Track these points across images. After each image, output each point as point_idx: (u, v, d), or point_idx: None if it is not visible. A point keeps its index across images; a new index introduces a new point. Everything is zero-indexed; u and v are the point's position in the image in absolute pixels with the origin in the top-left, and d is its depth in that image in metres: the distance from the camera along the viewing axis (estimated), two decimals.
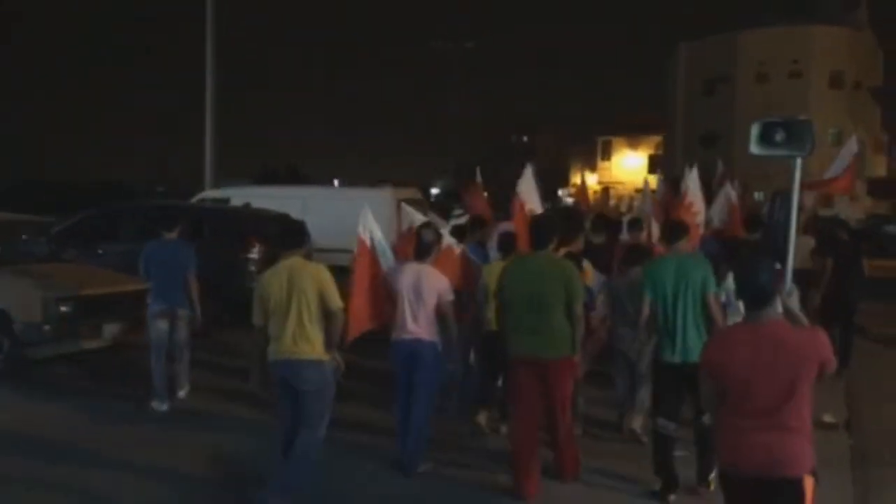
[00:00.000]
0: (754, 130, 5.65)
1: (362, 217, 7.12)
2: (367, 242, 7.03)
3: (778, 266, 4.90)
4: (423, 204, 14.84)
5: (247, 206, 13.46)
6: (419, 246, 6.50)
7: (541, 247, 6.00)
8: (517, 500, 5.81)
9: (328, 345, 5.58)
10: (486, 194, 11.93)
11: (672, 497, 5.86)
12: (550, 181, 60.98)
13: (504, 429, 7.21)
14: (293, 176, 59.09)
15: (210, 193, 16.24)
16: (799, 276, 9.81)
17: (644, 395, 7.16)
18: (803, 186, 12.49)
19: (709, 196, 11.90)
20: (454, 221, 10.51)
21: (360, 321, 6.83)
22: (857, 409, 8.58)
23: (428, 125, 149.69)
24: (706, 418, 5.40)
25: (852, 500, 5.93)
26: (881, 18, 64.64)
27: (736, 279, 3.90)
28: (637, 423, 7.23)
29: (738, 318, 4.56)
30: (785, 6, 51.48)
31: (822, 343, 3.67)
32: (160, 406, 7.92)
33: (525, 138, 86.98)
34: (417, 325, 6.26)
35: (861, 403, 8.83)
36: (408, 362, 6.32)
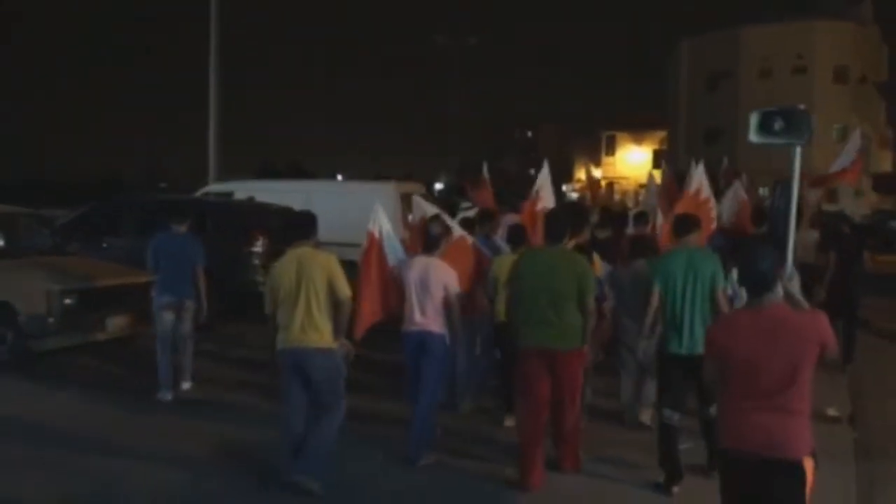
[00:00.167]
0: (753, 120, 5.71)
1: (373, 211, 7.22)
2: (377, 236, 7.11)
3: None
4: (427, 199, 14.82)
5: (250, 199, 13.47)
6: (427, 239, 6.59)
7: (555, 240, 6.04)
8: (523, 492, 5.82)
9: (336, 332, 5.65)
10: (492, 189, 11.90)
11: (676, 488, 5.87)
12: (554, 177, 61.00)
13: (507, 421, 7.24)
14: (297, 171, 59.14)
15: (214, 188, 16.26)
16: (803, 270, 9.89)
17: (650, 388, 7.20)
18: (809, 183, 12.57)
19: (714, 192, 11.93)
20: (462, 215, 10.51)
21: (369, 314, 6.91)
22: (861, 403, 8.57)
23: (429, 122, 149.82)
24: (712, 409, 5.41)
25: (856, 494, 5.92)
26: (886, 13, 64.68)
27: (738, 267, 3.96)
28: (646, 416, 7.30)
29: None
30: (787, 2, 51.36)
31: (823, 325, 3.73)
32: (165, 396, 7.99)
33: (529, 134, 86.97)
34: (425, 317, 6.35)
35: (865, 398, 8.83)
36: (416, 354, 6.40)
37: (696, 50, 56.38)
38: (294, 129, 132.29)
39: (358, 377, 7.18)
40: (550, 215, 6.53)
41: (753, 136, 5.73)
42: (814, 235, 10.95)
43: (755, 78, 50.76)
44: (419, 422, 6.33)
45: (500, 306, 6.93)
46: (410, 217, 12.12)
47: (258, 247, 11.52)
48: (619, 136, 69.08)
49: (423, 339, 6.35)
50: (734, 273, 6.42)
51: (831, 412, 7.71)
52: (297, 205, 12.79)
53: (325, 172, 52.03)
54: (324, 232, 10.71)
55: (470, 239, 7.75)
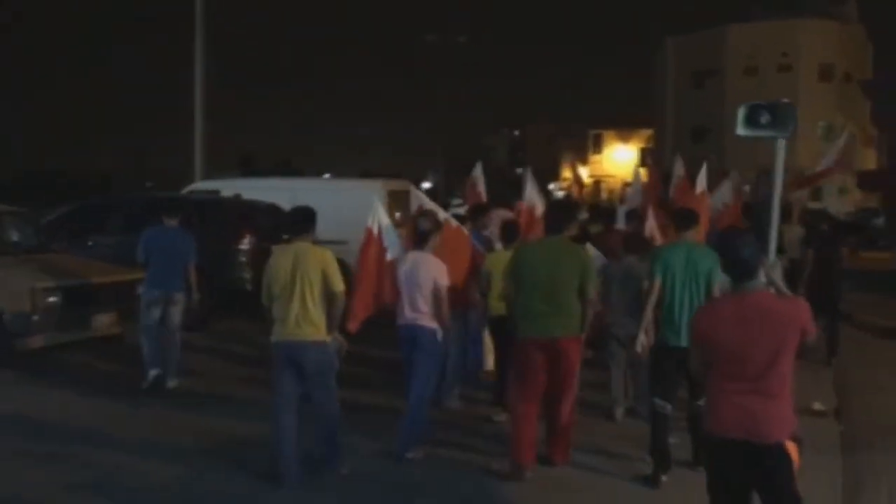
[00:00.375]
0: (741, 113, 5.83)
1: (373, 208, 7.33)
2: (374, 231, 7.20)
3: None
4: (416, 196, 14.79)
5: (237, 197, 13.41)
6: (417, 234, 6.64)
7: (555, 232, 6.20)
8: (517, 475, 5.90)
9: (330, 326, 5.75)
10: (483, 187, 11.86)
11: (664, 478, 5.91)
12: (541, 175, 61.11)
13: (497, 416, 7.29)
14: (284, 169, 58.97)
15: (199, 185, 16.18)
16: (791, 264, 10.00)
17: (643, 381, 7.26)
18: (793, 185, 12.70)
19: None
20: (453, 211, 10.53)
21: (362, 308, 7.00)
22: (847, 398, 8.62)
23: (418, 121, 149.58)
24: (701, 402, 5.44)
25: (842, 486, 5.95)
26: (870, 11, 65.10)
27: (721, 255, 4.02)
28: (643, 410, 7.31)
29: None
30: (773, 0, 51.58)
31: (804, 311, 3.84)
32: (153, 372, 8.09)
33: (516, 132, 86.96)
34: (415, 311, 6.41)
35: (851, 393, 8.88)
36: (409, 347, 6.48)
37: (682, 48, 56.60)
38: (282, 126, 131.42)
39: (356, 371, 7.24)
40: (549, 207, 6.69)
41: (741, 130, 5.86)
42: (800, 231, 11.06)
43: (741, 76, 50.94)
44: (409, 415, 6.36)
45: (494, 301, 7.09)
46: (398, 215, 12.14)
47: (245, 244, 11.49)
48: (606, 134, 69.31)
49: (415, 334, 6.41)
50: None
51: (817, 406, 7.76)
52: (283, 202, 12.79)
53: (311, 170, 51.85)
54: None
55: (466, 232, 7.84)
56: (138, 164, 63.91)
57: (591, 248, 7.77)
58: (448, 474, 6.04)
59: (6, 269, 8.97)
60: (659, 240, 8.62)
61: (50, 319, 8.66)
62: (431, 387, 6.50)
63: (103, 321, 9.27)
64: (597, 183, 59.95)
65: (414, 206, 8.33)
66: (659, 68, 60.37)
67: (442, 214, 7.73)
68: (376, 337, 7.95)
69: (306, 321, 5.63)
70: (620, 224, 10.61)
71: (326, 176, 29.19)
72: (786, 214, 10.36)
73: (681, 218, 6.57)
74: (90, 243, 11.71)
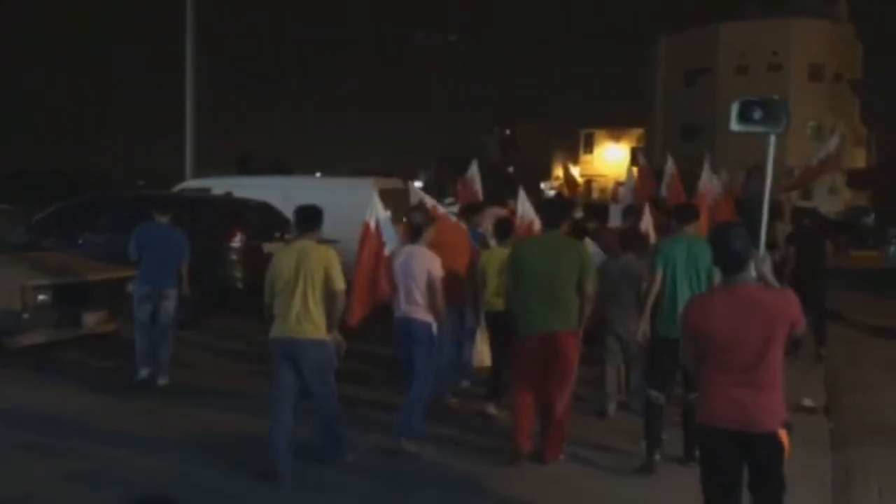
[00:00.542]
0: (734, 109, 5.92)
1: (370, 203, 7.43)
2: (372, 227, 7.30)
3: None
4: (407, 194, 14.78)
5: (228, 195, 13.38)
6: (410, 229, 6.75)
7: (553, 227, 6.33)
8: (512, 477, 5.93)
9: (330, 325, 5.79)
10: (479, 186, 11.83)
11: (657, 457, 6.09)
12: (532, 175, 61.11)
13: (489, 409, 7.36)
14: (276, 168, 58.77)
15: (191, 183, 16.13)
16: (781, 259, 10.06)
17: (636, 377, 7.49)
18: (784, 188, 12.79)
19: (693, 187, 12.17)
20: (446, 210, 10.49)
21: (362, 304, 7.11)
22: (837, 395, 8.66)
23: (410, 120, 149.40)
24: (693, 397, 5.49)
25: (831, 482, 5.98)
26: (861, 11, 65.37)
27: (712, 247, 4.08)
28: (636, 405, 7.44)
29: None
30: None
31: (793, 303, 3.90)
32: (143, 372, 8.17)
33: (507, 131, 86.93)
34: (410, 304, 6.49)
35: (840, 390, 8.92)
36: (404, 340, 6.57)
37: (674, 47, 56.68)
38: (281, 126, 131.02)
39: (355, 367, 7.33)
40: (545, 204, 6.76)
41: (734, 125, 5.94)
42: (787, 229, 11.11)
43: (732, 75, 51.01)
44: (406, 406, 6.43)
45: (491, 298, 7.24)
46: (389, 213, 12.10)
47: (236, 242, 11.46)
48: (598, 133, 69.35)
49: (409, 327, 6.49)
50: None
51: (807, 403, 7.79)
52: (274, 201, 12.78)
53: (302, 169, 51.74)
54: None
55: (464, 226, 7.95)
56: (134, 164, 63.66)
57: (589, 244, 7.82)
58: (443, 468, 6.07)
59: None
60: (654, 237, 8.68)
61: (41, 317, 8.64)
62: (430, 379, 6.55)
63: (94, 319, 9.24)
64: (588, 182, 59.91)
65: (414, 202, 8.42)
66: (651, 67, 60.48)
67: (441, 209, 7.82)
68: (376, 333, 7.99)
69: (307, 319, 5.68)
70: (615, 222, 10.66)
71: (317, 175, 29.10)
72: (778, 212, 10.44)
73: (681, 212, 6.71)
74: (81, 241, 11.67)
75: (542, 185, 58.96)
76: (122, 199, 13.59)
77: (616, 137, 68.31)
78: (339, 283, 5.77)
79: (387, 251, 7.21)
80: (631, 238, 7.94)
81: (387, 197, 12.62)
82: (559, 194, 31.46)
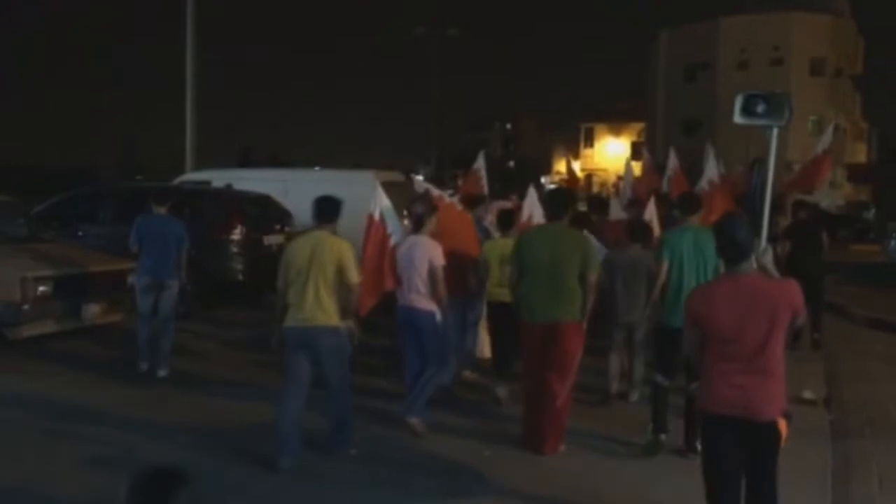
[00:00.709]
0: (738, 102, 6.03)
1: (374, 194, 7.50)
2: (376, 217, 7.36)
3: None
4: (408, 186, 14.77)
5: (228, 188, 13.38)
6: (412, 218, 6.81)
7: (556, 218, 6.40)
8: (516, 466, 5.95)
9: (345, 314, 5.90)
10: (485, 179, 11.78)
11: (663, 436, 6.28)
12: (533, 169, 61.11)
13: (500, 391, 7.41)
14: (275, 162, 58.75)
15: (191, 176, 16.11)
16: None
17: (639, 366, 7.59)
18: (786, 186, 12.79)
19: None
20: None
21: (371, 295, 7.17)
22: (838, 388, 8.64)
23: (410, 114, 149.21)
24: (694, 387, 5.57)
25: (832, 472, 5.99)
26: (862, 6, 65.38)
27: (716, 237, 4.11)
28: (634, 396, 7.59)
29: None
30: None
31: (795, 292, 3.94)
32: (143, 365, 8.21)
33: (508, 126, 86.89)
34: (412, 293, 6.57)
35: (841, 383, 8.90)
36: (406, 328, 6.68)
37: (674, 41, 56.57)
38: (275, 119, 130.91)
39: (362, 359, 7.37)
40: (548, 196, 6.98)
41: (738, 118, 6.06)
42: (787, 222, 11.11)
43: (733, 69, 50.90)
44: (418, 385, 6.56)
45: (493, 288, 7.34)
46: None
47: (236, 234, 11.46)
48: (598, 127, 69.28)
49: (411, 315, 6.58)
50: None
51: (807, 395, 7.79)
52: (274, 193, 12.79)
53: (302, 163, 51.71)
54: (301, 221, 10.94)
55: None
56: (130, 157, 63.64)
57: (590, 237, 7.82)
58: (444, 457, 6.08)
59: None
60: (658, 228, 8.70)
61: (41, 309, 8.65)
62: (447, 362, 6.69)
63: (95, 310, 9.25)
64: (588, 176, 59.87)
65: (420, 192, 8.45)
66: (651, 61, 60.36)
67: (447, 199, 7.85)
68: (383, 326, 8.10)
69: (319, 308, 5.75)
70: (617, 215, 10.68)
71: (316, 169, 29.06)
72: (780, 206, 10.44)
73: (685, 203, 6.77)
74: (80, 233, 11.67)
75: (543, 180, 58.94)
76: (121, 190, 13.58)
77: (616, 132, 68.25)
78: (354, 276, 5.85)
79: (392, 242, 7.25)
80: (637, 229, 7.99)
81: (387, 190, 12.68)
82: (560, 187, 31.48)
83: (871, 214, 36.36)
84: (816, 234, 10.77)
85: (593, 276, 6.13)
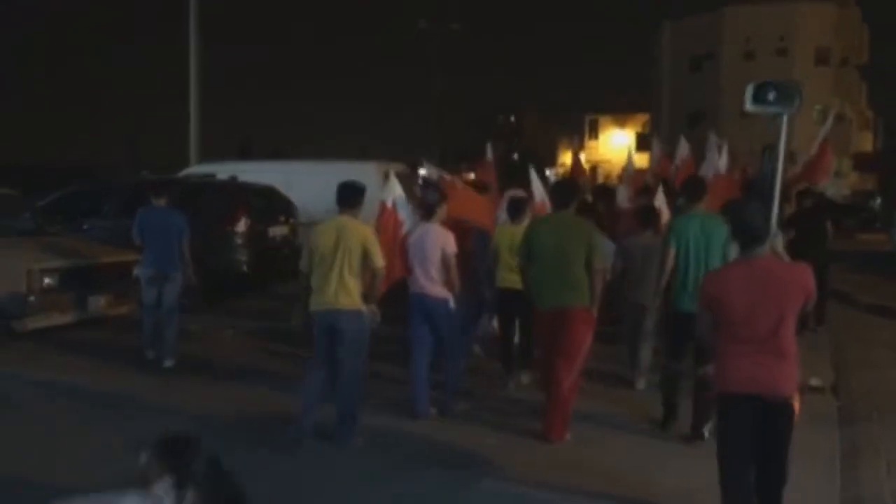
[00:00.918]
0: (749, 90, 6.18)
1: (388, 183, 7.63)
2: (389, 205, 7.49)
3: None
4: (412, 177, 14.75)
5: (233, 179, 13.38)
6: (423, 206, 6.86)
7: (562, 207, 6.47)
8: (528, 452, 6.00)
9: (368, 298, 6.03)
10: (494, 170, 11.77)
11: (673, 419, 6.44)
12: (537, 162, 60.99)
13: (511, 385, 7.54)
14: (277, 156, 58.76)
15: (195, 169, 16.13)
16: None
17: (646, 353, 7.70)
18: (792, 179, 12.78)
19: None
20: None
21: (385, 281, 7.20)
22: (845, 375, 8.64)
23: (414, 107, 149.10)
24: (702, 372, 5.74)
25: (840, 458, 5.99)
26: None
27: (731, 222, 4.21)
28: (640, 384, 7.66)
29: None
30: None
31: (807, 276, 4.04)
32: (148, 355, 8.30)
33: (511, 118, 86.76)
34: (423, 280, 6.62)
35: (848, 370, 8.90)
36: (418, 315, 6.73)
37: (679, 32, 56.37)
38: (275, 119, 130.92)
39: (375, 348, 7.38)
40: (557, 185, 7.13)
41: (749, 106, 6.21)
42: (792, 210, 11.11)
43: (738, 59, 50.72)
44: (449, 371, 6.76)
45: (503, 273, 7.42)
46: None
47: (241, 226, 11.47)
48: (603, 119, 69.13)
49: (425, 303, 6.64)
50: None
51: (815, 383, 7.77)
52: (278, 185, 12.79)
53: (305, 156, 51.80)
54: (304, 211, 10.98)
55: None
56: (134, 152, 63.72)
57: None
58: (451, 447, 6.08)
59: (2, 251, 8.95)
60: (666, 214, 8.72)
61: (47, 300, 8.66)
62: (463, 347, 6.88)
63: (101, 302, 9.25)
64: (593, 168, 59.76)
65: (433, 179, 8.52)
66: (656, 52, 60.18)
67: (460, 185, 7.93)
68: (389, 314, 8.03)
69: (344, 292, 5.88)
70: (623, 204, 10.72)
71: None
72: (786, 195, 10.42)
73: (690, 189, 6.78)
74: (86, 226, 11.68)
75: (548, 172, 58.87)
76: (126, 184, 13.59)
77: (621, 123, 68.09)
78: (379, 261, 5.98)
79: (404, 230, 7.31)
80: (647, 215, 8.12)
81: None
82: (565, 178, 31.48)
83: (877, 203, 36.23)
84: (821, 222, 10.76)
85: (598, 261, 6.17)
